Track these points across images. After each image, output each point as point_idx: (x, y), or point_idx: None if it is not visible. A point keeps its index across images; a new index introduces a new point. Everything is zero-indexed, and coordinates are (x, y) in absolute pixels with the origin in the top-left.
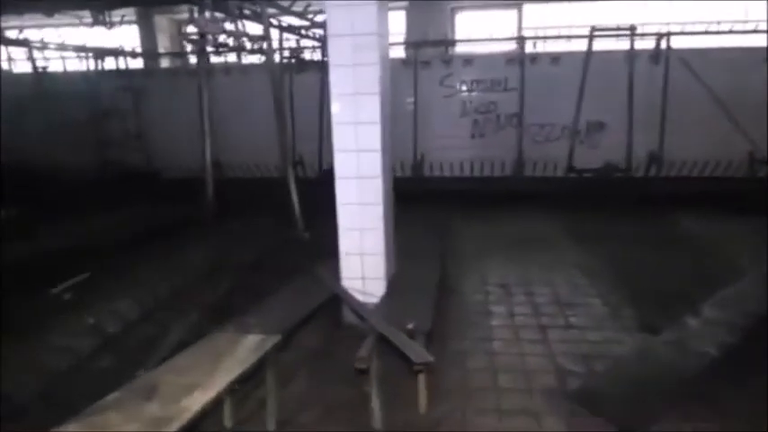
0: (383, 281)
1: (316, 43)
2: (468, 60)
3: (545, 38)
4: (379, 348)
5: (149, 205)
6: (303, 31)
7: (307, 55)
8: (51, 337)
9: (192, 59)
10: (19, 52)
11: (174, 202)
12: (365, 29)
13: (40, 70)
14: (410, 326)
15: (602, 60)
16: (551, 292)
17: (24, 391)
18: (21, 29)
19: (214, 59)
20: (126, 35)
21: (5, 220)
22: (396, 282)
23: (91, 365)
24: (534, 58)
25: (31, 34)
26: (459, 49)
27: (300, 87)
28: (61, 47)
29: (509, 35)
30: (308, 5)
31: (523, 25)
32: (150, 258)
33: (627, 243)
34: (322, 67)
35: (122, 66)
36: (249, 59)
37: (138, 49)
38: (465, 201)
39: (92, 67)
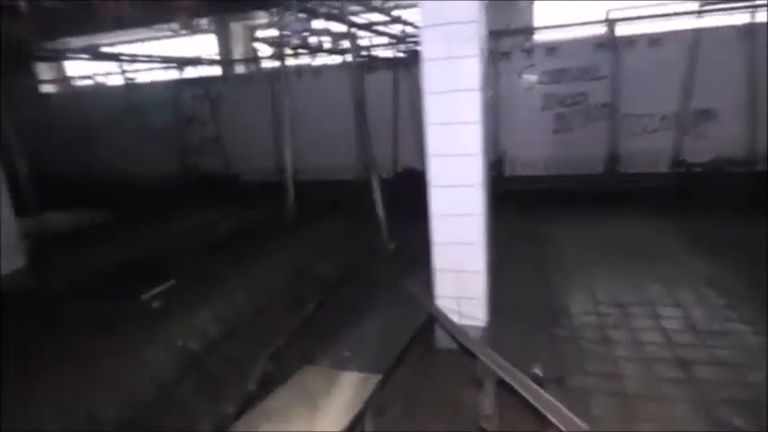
0: (483, 301)
1: (389, 40)
2: (552, 49)
3: (640, 18)
4: (499, 397)
5: (230, 209)
6: (381, 28)
7: (378, 53)
8: (138, 351)
9: (265, 64)
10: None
11: (253, 205)
12: (462, 16)
13: (129, 82)
14: (537, 370)
15: (712, 38)
16: (682, 314)
17: (106, 413)
18: (113, 44)
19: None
20: (204, 44)
21: (97, 226)
22: (498, 303)
23: (174, 392)
24: (629, 41)
25: (121, 48)
26: (540, 37)
27: (372, 86)
28: (147, 59)
29: (595, 18)
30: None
31: (611, 6)
32: (234, 267)
33: (762, 251)
34: (395, 64)
35: (201, 74)
36: (320, 60)
37: (216, 57)
38: (553, 202)
39: (174, 76)
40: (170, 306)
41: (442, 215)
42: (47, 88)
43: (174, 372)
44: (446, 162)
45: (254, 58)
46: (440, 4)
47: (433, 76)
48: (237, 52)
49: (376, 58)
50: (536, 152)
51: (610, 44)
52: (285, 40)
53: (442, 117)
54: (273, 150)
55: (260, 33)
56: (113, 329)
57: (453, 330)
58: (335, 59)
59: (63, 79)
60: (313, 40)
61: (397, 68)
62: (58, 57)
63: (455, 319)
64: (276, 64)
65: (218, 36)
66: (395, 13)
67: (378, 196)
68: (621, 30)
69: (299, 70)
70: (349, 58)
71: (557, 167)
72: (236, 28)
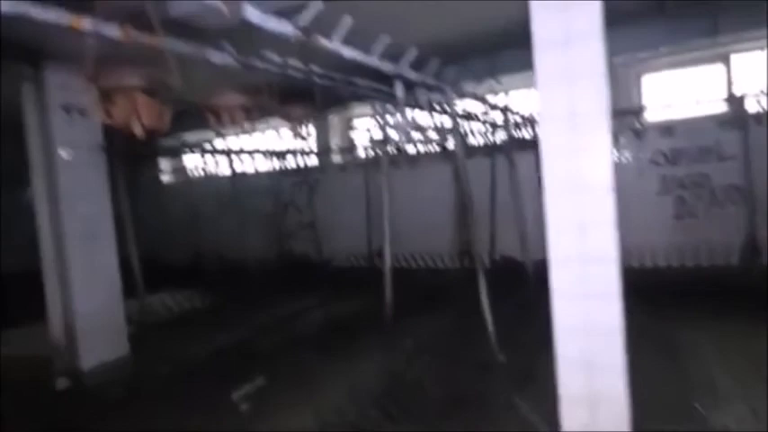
0: None
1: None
2: (668, 129)
3: None
4: None
5: (323, 297)
6: (480, 116)
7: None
8: None
9: (360, 153)
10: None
11: (345, 294)
12: (592, 108)
13: (236, 172)
14: None
15: None
16: None
17: None
18: (223, 137)
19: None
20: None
21: (196, 311)
22: None
23: None
24: (756, 117)
25: (230, 140)
26: (653, 115)
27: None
28: (253, 151)
29: (716, 94)
30: (492, 84)
31: (733, 79)
32: (325, 365)
33: None
34: (493, 150)
35: (301, 163)
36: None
37: (313, 148)
38: (681, 298)
39: (276, 165)
40: (260, 410)
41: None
42: (164, 177)
43: None
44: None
45: (349, 148)
46: (564, 93)
47: (552, 135)
48: (334, 142)
49: (472, 146)
50: (655, 240)
51: (738, 122)
52: (389, 135)
53: (564, 184)
54: (366, 237)
55: (358, 123)
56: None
57: None
58: (432, 147)
59: (179, 169)
60: (416, 133)
61: (495, 155)
62: (176, 152)
63: None
64: (371, 153)
65: (316, 128)
66: (492, 98)
67: (484, 297)
68: (750, 105)
69: (394, 159)
70: (445, 145)
71: (680, 257)
72: (333, 119)
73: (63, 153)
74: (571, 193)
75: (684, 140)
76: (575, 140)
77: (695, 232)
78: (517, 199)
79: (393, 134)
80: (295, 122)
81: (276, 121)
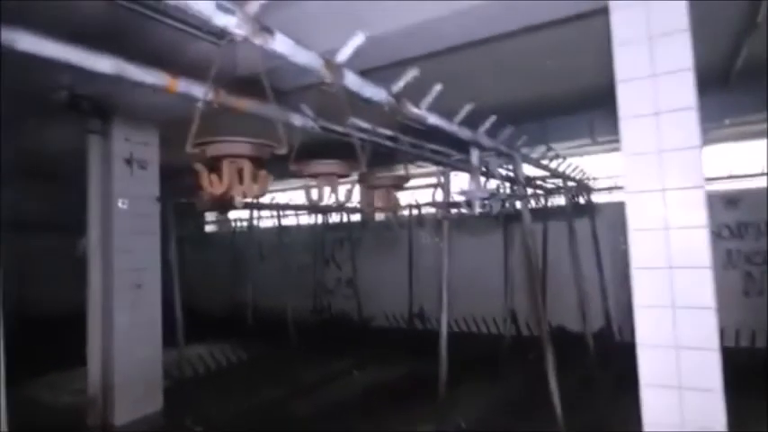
0: None
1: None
2: (733, 201)
3: None
4: None
5: (363, 358)
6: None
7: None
8: None
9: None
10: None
11: (387, 357)
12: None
13: (279, 225)
14: None
15: None
16: None
17: None
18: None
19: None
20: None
21: (232, 364)
22: None
23: None
24: None
25: (276, 194)
26: (715, 187)
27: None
28: (297, 207)
29: None
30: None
31: None
32: None
33: None
34: (547, 214)
35: (344, 219)
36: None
37: (357, 205)
38: (752, 384)
39: (320, 221)
40: None
41: (657, 386)
42: (208, 227)
43: None
44: (661, 315)
45: (394, 206)
46: (645, 131)
47: (639, 212)
48: (379, 200)
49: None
50: (722, 318)
51: None
52: (452, 198)
53: (652, 260)
54: (408, 298)
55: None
56: None
57: None
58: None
59: (224, 221)
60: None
61: (547, 219)
62: (225, 208)
63: None
64: (416, 213)
65: (362, 186)
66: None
67: (551, 368)
68: None
69: (437, 218)
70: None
71: (751, 338)
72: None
73: (121, 203)
74: (660, 269)
75: (749, 213)
76: (667, 211)
77: (763, 310)
78: (576, 267)
79: (458, 197)
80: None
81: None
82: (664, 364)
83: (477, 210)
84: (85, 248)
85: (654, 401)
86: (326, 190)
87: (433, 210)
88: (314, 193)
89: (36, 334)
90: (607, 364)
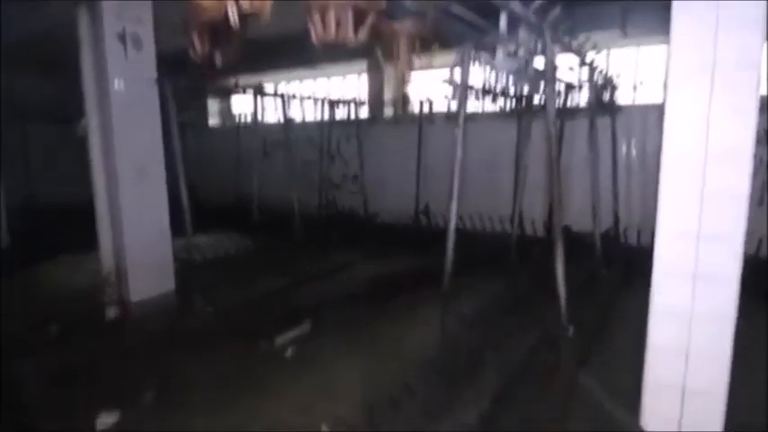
0: None
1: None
2: (764, 106)
3: None
4: None
5: (369, 252)
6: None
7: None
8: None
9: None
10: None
11: (394, 250)
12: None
13: (284, 119)
14: None
15: None
16: None
17: None
18: (275, 83)
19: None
20: (358, 84)
21: (241, 253)
22: None
23: None
24: None
25: (281, 86)
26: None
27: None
28: (303, 98)
29: None
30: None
31: None
32: (377, 323)
33: None
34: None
35: (351, 114)
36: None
37: (365, 99)
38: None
39: (326, 115)
40: (302, 356)
41: (671, 314)
42: (213, 121)
43: None
44: (685, 243)
45: (403, 101)
46: (707, 37)
47: (679, 129)
48: (388, 93)
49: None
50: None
51: None
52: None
53: (685, 183)
54: (415, 194)
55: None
56: (236, 381)
57: None
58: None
59: (227, 113)
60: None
61: (565, 118)
62: (226, 93)
63: None
64: (425, 108)
65: (369, 78)
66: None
67: (560, 265)
68: None
69: (448, 115)
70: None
71: (757, 245)
72: (389, 71)
73: (117, 84)
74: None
75: None
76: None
77: None
78: (595, 165)
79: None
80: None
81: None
82: (683, 255)
83: (501, 83)
84: (86, 128)
85: (668, 290)
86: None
87: (444, 107)
88: (319, 24)
89: (50, 221)
90: (613, 264)
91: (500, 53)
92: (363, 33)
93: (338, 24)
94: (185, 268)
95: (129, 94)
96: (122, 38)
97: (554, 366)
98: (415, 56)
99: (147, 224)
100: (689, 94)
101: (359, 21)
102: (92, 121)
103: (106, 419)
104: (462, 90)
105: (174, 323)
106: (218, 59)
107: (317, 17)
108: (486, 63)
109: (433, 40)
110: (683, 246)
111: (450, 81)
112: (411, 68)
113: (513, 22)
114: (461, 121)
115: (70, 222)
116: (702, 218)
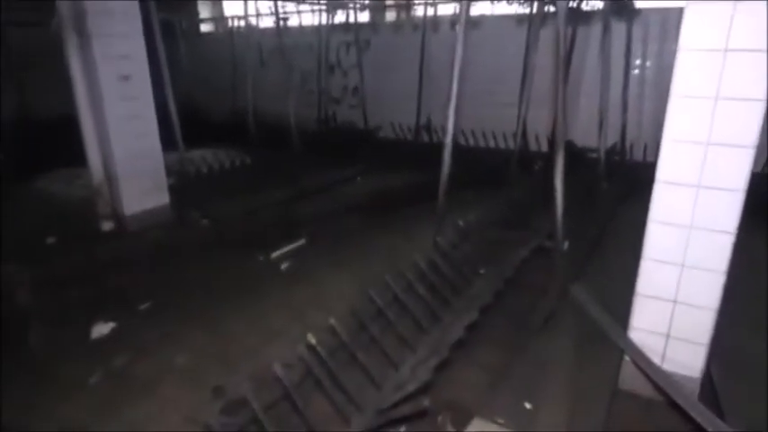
0: (703, 348)
1: None
2: None
3: None
4: None
5: (369, 167)
6: None
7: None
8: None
9: (417, 12)
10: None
11: (392, 166)
12: None
13: (279, 25)
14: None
15: None
16: None
17: None
18: None
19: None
20: None
21: (237, 168)
22: (725, 354)
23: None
24: None
25: None
26: None
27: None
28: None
29: None
30: None
31: None
32: (373, 235)
33: None
34: (575, 17)
35: (351, 19)
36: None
37: (366, 2)
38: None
39: (324, 20)
40: (297, 268)
41: (668, 224)
42: (205, 27)
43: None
44: (693, 151)
45: (406, 4)
46: None
47: (701, 30)
48: None
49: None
50: None
51: None
52: None
53: (700, 89)
54: (417, 108)
55: None
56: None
57: (657, 378)
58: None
59: (220, 19)
60: None
61: (577, 22)
62: None
63: (657, 361)
64: (429, 11)
65: None
66: None
67: (559, 180)
68: None
69: (453, 20)
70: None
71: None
72: None
73: None
74: (707, 99)
75: None
76: (731, 36)
77: None
78: (605, 75)
79: None
80: None
81: None
82: (688, 163)
83: None
84: (59, 23)
85: (669, 199)
86: None
87: (449, 10)
88: None
89: (40, 134)
90: (615, 179)
91: None
92: None
93: None
94: (179, 182)
95: None
96: None
97: (545, 279)
98: None
99: (136, 135)
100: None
101: None
102: (66, 26)
103: (101, 329)
104: None
105: (168, 236)
106: None
107: None
108: None
109: None
110: (689, 153)
111: None
112: None
113: None
114: (462, 19)
115: (66, 133)
116: (714, 124)
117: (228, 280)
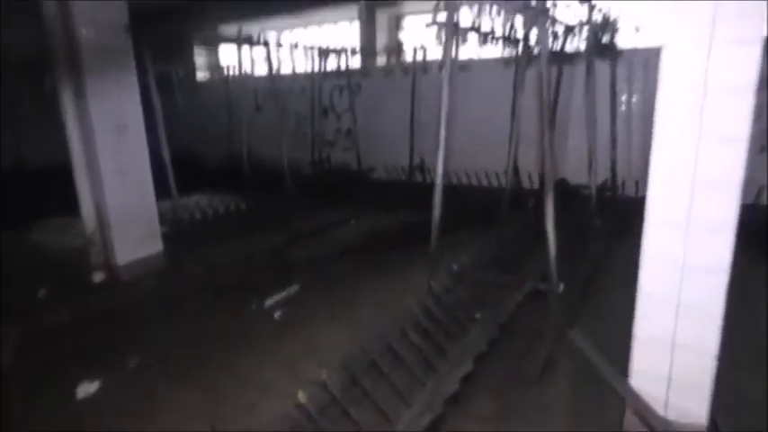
0: (706, 393)
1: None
2: None
3: None
4: None
5: (362, 208)
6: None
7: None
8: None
9: (407, 57)
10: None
11: (385, 206)
12: None
13: (273, 71)
14: None
15: None
16: None
17: None
18: (260, 32)
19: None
20: (348, 34)
21: (231, 213)
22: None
23: None
24: None
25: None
26: None
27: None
28: (292, 47)
29: None
30: None
31: None
32: (366, 280)
33: None
34: (557, 59)
35: (343, 64)
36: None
37: (357, 48)
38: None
39: (317, 66)
40: (290, 317)
41: (661, 261)
42: (201, 75)
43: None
44: (680, 193)
45: (397, 50)
46: None
47: (676, 69)
48: (381, 42)
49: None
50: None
51: None
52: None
53: (682, 130)
54: (409, 148)
55: (407, 22)
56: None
57: (660, 428)
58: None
59: (216, 67)
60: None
61: (561, 63)
62: (210, 42)
63: (659, 409)
64: (418, 57)
65: (362, 25)
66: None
67: (550, 219)
68: None
69: (441, 64)
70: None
71: (756, 194)
72: (382, 17)
73: (85, 31)
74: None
75: None
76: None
77: None
78: (591, 113)
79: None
80: None
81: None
82: (676, 202)
83: (485, 20)
84: (53, 83)
85: (660, 239)
86: None
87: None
88: None
89: (35, 184)
90: (607, 216)
91: None
92: None
93: None
94: (173, 229)
95: (100, 44)
96: None
97: (541, 323)
98: None
99: (129, 183)
100: (687, 36)
101: None
102: (61, 75)
103: (87, 388)
104: (449, 31)
105: (161, 285)
106: None
107: None
108: None
109: None
110: (677, 192)
111: (435, 22)
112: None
113: None
114: (448, 64)
115: (61, 184)
116: (698, 163)
117: (220, 331)
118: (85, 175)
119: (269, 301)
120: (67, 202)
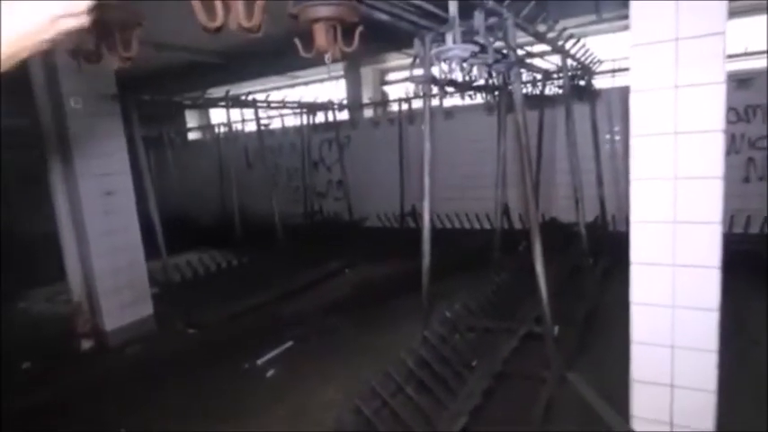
0: None
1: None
2: (745, 81)
3: None
4: None
5: (354, 258)
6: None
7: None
8: None
9: (393, 107)
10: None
11: (378, 255)
12: (705, 27)
13: (263, 128)
14: None
15: None
16: None
17: None
18: (248, 93)
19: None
20: (335, 89)
21: (223, 271)
22: None
23: None
24: None
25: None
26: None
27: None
28: (280, 105)
29: None
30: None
31: None
32: (360, 334)
33: None
34: (540, 101)
35: (330, 118)
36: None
37: (344, 102)
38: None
39: (305, 121)
40: (284, 375)
41: (648, 304)
42: (192, 135)
43: None
44: (662, 232)
45: (382, 102)
46: (668, 9)
47: (645, 113)
48: (366, 96)
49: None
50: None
51: None
52: (442, 73)
53: (656, 169)
54: (399, 196)
55: (391, 76)
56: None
57: None
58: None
59: (206, 126)
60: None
61: (543, 105)
62: (198, 106)
63: None
64: (404, 107)
65: (348, 81)
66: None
67: (539, 263)
68: None
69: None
70: (483, 96)
71: (745, 223)
72: (366, 72)
73: (74, 102)
74: (665, 180)
75: (760, 95)
76: (678, 117)
77: (763, 196)
78: (573, 152)
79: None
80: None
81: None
82: (659, 243)
83: (458, 74)
84: (41, 151)
85: (647, 281)
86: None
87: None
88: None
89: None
90: (599, 253)
91: (449, 39)
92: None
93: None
94: (164, 290)
95: (89, 112)
96: (74, 54)
97: (537, 367)
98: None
99: (119, 249)
100: (652, 70)
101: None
102: (49, 145)
103: None
104: (426, 83)
105: (150, 350)
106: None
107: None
108: (439, 55)
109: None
110: (659, 233)
111: (412, 77)
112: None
113: (469, 9)
114: (427, 116)
115: (48, 251)
116: (677, 202)
117: (211, 396)
118: (73, 241)
119: (261, 360)
120: (56, 270)
